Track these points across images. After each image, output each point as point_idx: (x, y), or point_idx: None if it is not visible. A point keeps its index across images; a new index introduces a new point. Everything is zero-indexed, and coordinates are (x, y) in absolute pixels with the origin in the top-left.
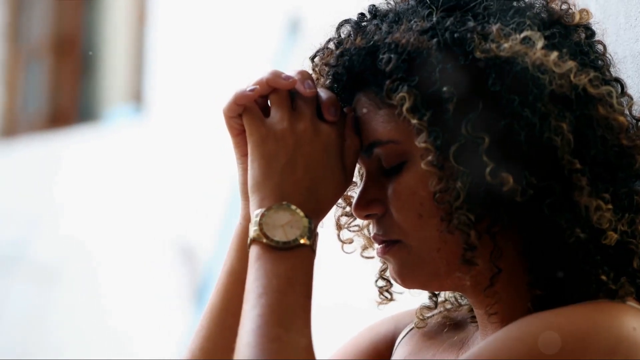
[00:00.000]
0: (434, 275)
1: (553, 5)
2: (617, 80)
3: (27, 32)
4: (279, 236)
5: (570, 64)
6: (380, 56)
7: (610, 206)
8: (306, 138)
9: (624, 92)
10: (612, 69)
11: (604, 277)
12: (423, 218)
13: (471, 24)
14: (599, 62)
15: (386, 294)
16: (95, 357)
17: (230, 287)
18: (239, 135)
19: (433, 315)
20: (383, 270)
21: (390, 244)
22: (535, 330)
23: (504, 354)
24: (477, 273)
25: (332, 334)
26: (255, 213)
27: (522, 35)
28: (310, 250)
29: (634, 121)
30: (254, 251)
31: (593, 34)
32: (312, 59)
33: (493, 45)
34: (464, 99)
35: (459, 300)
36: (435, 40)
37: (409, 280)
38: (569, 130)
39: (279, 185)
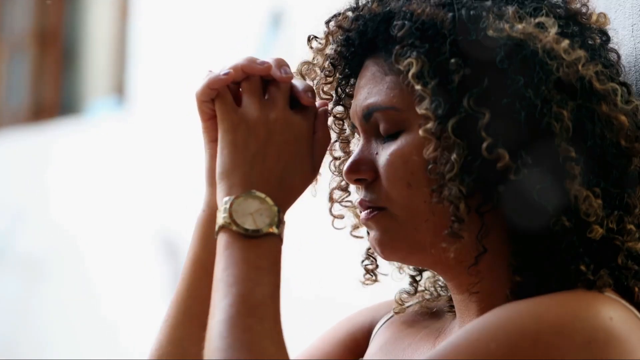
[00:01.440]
0: (415, 246)
1: (572, 4)
2: (625, 84)
3: (9, 25)
4: (249, 224)
5: (580, 53)
6: (395, 22)
7: (599, 201)
8: (277, 128)
9: (630, 95)
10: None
11: (583, 268)
12: (412, 187)
13: (488, 3)
14: (610, 63)
15: (371, 275)
16: (82, 349)
17: (195, 275)
18: (209, 120)
19: (411, 304)
20: (370, 249)
21: (376, 210)
22: (512, 319)
23: (482, 342)
24: (462, 248)
25: (313, 326)
26: (224, 200)
27: (537, 20)
28: (278, 239)
29: (635, 125)
30: (222, 239)
31: (608, 39)
32: (327, 23)
33: (506, 26)
34: (470, 73)
35: (438, 291)
36: (450, 14)
37: (389, 249)
38: (569, 119)
39: (248, 174)
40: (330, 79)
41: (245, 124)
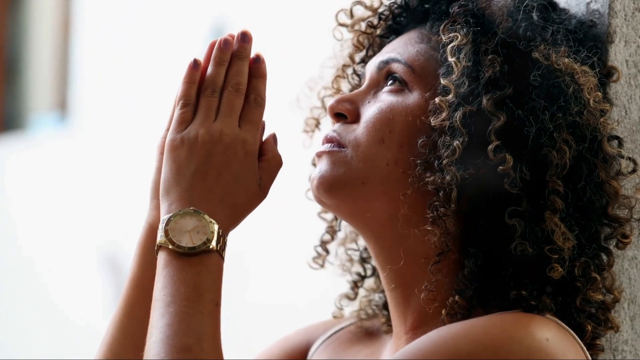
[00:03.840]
0: (353, 197)
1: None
2: (633, 160)
3: None
4: (185, 241)
5: (607, 108)
6: (458, 2)
7: (572, 243)
8: (220, 147)
9: (634, 173)
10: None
11: (524, 293)
12: (383, 144)
13: (547, 34)
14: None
15: (319, 261)
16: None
17: (132, 293)
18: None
19: (347, 325)
20: (325, 239)
21: (336, 147)
22: (447, 342)
23: None
24: (419, 237)
25: (274, 333)
26: (163, 219)
27: (583, 67)
28: (218, 257)
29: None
30: (161, 258)
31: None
32: None
33: (554, 56)
34: (500, 75)
35: (375, 310)
36: (511, 21)
37: (327, 185)
38: (569, 159)
39: (187, 191)
40: (370, 31)
41: (189, 141)
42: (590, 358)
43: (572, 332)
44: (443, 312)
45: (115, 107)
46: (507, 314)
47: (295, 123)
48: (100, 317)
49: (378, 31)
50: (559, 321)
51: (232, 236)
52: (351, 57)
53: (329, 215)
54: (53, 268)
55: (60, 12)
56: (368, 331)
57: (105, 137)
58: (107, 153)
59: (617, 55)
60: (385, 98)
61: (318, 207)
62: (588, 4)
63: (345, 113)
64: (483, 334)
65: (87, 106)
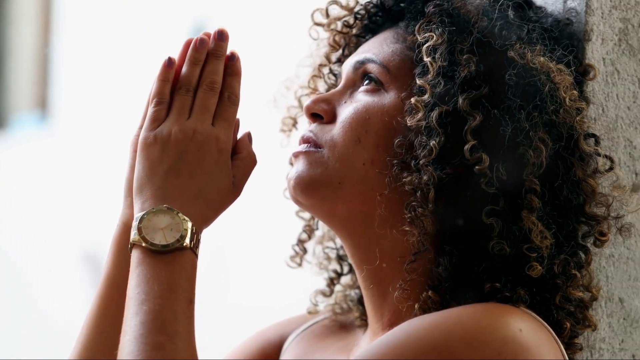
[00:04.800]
0: (330, 197)
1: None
2: (609, 158)
3: None
4: (158, 239)
5: (583, 106)
6: (433, 1)
7: (551, 241)
8: (194, 144)
9: (611, 171)
10: None
11: (497, 285)
12: (359, 144)
13: (524, 32)
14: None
15: (297, 260)
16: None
17: (106, 291)
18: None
19: (322, 319)
20: (302, 238)
21: (312, 147)
22: (421, 333)
23: (391, 355)
24: (396, 237)
25: (251, 333)
26: (136, 216)
27: (559, 66)
28: (192, 254)
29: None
30: (135, 256)
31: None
32: None
33: (529, 54)
34: (476, 74)
35: (350, 305)
36: (486, 20)
37: (304, 185)
38: (545, 157)
39: (161, 189)
40: (346, 30)
41: (162, 139)
42: (565, 353)
43: (548, 326)
44: (416, 306)
45: (95, 106)
46: (480, 305)
47: (273, 122)
48: (80, 316)
49: (354, 30)
50: (534, 314)
51: (212, 235)
52: (327, 57)
53: (307, 214)
54: (33, 266)
55: (41, 11)
56: (342, 325)
57: (86, 135)
58: (88, 152)
59: (594, 53)
60: (362, 98)
61: (296, 206)
62: (565, 2)
63: (322, 113)
64: (456, 324)
65: (68, 105)
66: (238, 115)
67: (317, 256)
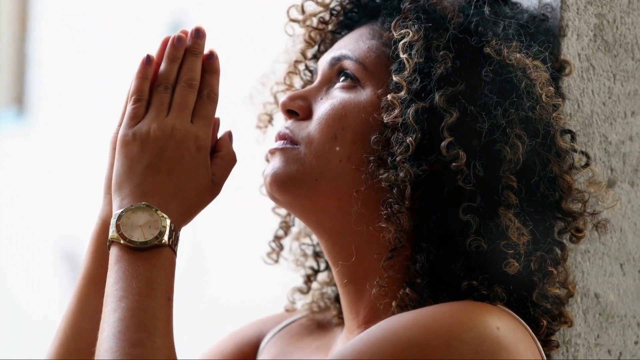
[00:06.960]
0: (306, 195)
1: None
2: (585, 153)
3: None
4: (137, 236)
5: (559, 102)
6: None
7: (527, 237)
8: (172, 142)
9: (587, 167)
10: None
11: (475, 283)
12: (335, 141)
13: (500, 29)
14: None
15: (274, 256)
16: None
17: (84, 289)
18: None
19: (299, 317)
20: (279, 229)
21: (289, 144)
22: (398, 331)
23: (368, 354)
24: (373, 234)
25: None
26: (115, 214)
27: (535, 62)
28: (170, 251)
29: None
30: (113, 253)
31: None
32: None
33: (505, 50)
34: (452, 71)
35: (327, 303)
36: (462, 17)
37: (280, 182)
38: (522, 154)
39: (139, 186)
40: (322, 26)
41: (141, 136)
42: (542, 350)
43: (525, 324)
44: (393, 304)
45: (72, 103)
46: (458, 303)
47: (249, 119)
48: (58, 313)
49: (330, 27)
50: (511, 312)
51: (192, 232)
52: (303, 53)
53: (283, 211)
54: (10, 264)
55: (17, 7)
56: (320, 324)
57: (63, 132)
58: (65, 148)
59: (570, 48)
60: (338, 94)
61: (273, 203)
62: None
63: (298, 110)
64: (433, 322)
65: (44, 102)
66: (217, 114)
67: (294, 253)
